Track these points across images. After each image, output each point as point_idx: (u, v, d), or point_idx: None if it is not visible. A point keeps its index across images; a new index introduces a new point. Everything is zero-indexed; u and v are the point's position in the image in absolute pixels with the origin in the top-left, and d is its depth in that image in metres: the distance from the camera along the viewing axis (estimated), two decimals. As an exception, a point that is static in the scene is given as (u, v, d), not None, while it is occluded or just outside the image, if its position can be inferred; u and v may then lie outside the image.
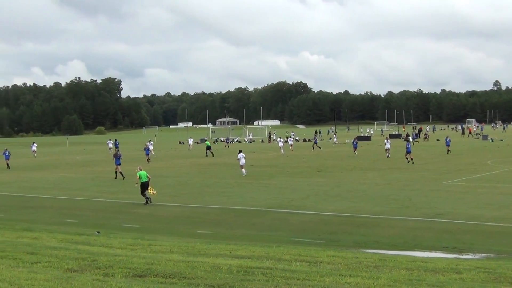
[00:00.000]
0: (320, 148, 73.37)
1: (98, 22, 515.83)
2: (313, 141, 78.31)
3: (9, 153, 55.46)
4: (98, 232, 20.78)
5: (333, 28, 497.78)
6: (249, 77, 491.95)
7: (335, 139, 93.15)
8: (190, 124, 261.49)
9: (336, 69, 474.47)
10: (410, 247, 17.97)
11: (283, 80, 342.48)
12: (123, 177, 40.21)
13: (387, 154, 55.95)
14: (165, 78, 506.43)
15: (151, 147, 62.83)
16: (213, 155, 65.29)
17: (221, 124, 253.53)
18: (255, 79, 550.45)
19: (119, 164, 41.90)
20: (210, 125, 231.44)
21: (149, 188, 29.21)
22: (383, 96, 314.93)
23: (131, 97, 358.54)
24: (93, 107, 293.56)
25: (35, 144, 77.83)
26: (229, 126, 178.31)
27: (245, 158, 42.51)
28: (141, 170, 29.94)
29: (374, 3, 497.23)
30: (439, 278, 11.35)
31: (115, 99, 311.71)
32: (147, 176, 29.32)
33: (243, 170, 41.67)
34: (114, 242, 17.28)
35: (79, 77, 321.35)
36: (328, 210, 25.43)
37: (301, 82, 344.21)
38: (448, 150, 58.97)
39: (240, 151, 43.58)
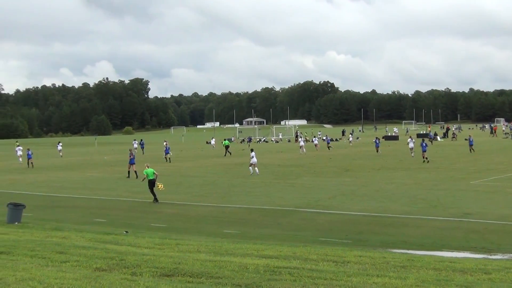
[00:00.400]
0: (330, 147, 73.97)
1: (125, 23, 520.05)
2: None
3: (31, 152, 57.81)
4: (126, 232, 20.91)
5: (360, 27, 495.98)
6: (276, 77, 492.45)
7: (350, 139, 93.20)
8: (217, 124, 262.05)
9: (363, 68, 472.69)
10: (438, 247, 17.85)
11: (310, 80, 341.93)
12: (137, 176, 40.63)
13: (412, 153, 56.17)
14: (192, 78, 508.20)
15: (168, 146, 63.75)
16: (230, 154, 66.56)
17: (248, 124, 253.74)
18: (282, 79, 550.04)
19: (134, 164, 42.72)
20: (237, 125, 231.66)
21: (157, 184, 30.05)
22: (410, 95, 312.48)
23: (159, 97, 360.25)
24: (121, 107, 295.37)
25: (60, 144, 79.27)
26: (256, 126, 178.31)
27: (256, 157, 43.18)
28: (148, 167, 30.81)
29: (401, 1, 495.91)
30: (468, 279, 11.26)
31: (143, 100, 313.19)
32: (154, 173, 30.20)
33: (256, 169, 42.41)
34: (142, 242, 17.37)
35: (107, 78, 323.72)
36: (355, 210, 25.35)
37: (328, 81, 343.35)
38: (472, 149, 58.52)
39: (252, 150, 44.59)
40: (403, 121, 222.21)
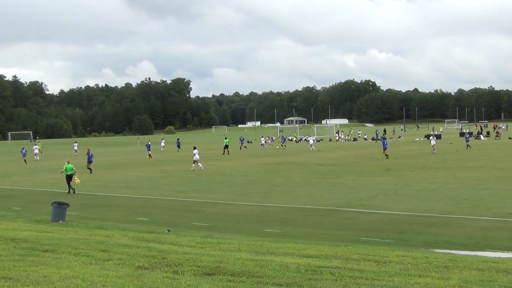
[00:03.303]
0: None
1: (167, 23, 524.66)
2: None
3: (91, 154, 58.81)
4: (168, 230, 21.08)
5: (402, 25, 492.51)
6: (317, 75, 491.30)
7: (365, 136, 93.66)
8: (258, 123, 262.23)
9: (405, 66, 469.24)
10: (481, 247, 17.62)
11: (351, 79, 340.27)
12: (91, 172, 47.37)
13: (433, 150, 59.83)
14: (233, 77, 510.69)
15: (162, 144, 67.91)
16: (228, 153, 69.95)
17: (289, 123, 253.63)
18: (323, 78, 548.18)
19: (91, 162, 49.16)
20: (278, 124, 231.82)
21: (74, 178, 34.78)
22: (453, 93, 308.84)
23: (200, 97, 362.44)
24: (163, 107, 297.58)
25: (76, 144, 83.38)
26: (297, 125, 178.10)
27: (199, 154, 49.18)
28: (68, 163, 35.54)
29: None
30: (512, 279, 11.11)
31: (185, 99, 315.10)
32: (73, 169, 34.96)
33: (196, 164, 48.07)
34: (184, 240, 17.49)
35: (149, 78, 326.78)
36: (397, 210, 25.14)
37: (369, 80, 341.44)
38: None
39: (194, 148, 49.97)
40: (446, 120, 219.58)
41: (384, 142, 58.02)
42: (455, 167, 44.20)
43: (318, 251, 15.06)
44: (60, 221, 23.40)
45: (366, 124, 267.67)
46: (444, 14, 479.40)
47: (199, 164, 48.17)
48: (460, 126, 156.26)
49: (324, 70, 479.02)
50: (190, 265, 11.39)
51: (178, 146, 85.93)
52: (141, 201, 31.13)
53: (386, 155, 55.21)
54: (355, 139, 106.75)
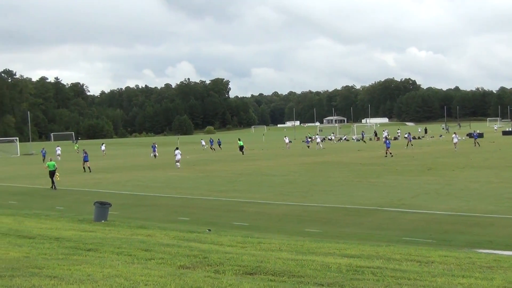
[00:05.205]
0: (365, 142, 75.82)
1: (205, 24, 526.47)
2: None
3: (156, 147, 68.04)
4: (209, 230, 21.15)
5: (442, 23, 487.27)
6: (357, 74, 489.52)
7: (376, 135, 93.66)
8: (297, 123, 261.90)
9: (446, 64, 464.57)
10: (526, 248, 17.35)
11: (391, 77, 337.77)
12: (90, 171, 51.55)
13: (455, 148, 62.65)
14: (272, 77, 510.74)
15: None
16: (243, 154, 70.96)
17: (328, 123, 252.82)
18: (362, 77, 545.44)
19: (87, 161, 52.94)
20: (317, 123, 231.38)
21: (55, 175, 38.95)
22: (495, 91, 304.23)
23: (239, 97, 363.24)
24: (202, 107, 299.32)
25: (104, 145, 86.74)
26: (336, 124, 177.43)
27: (181, 154, 54.30)
28: (51, 160, 40.79)
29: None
30: (558, 280, 10.91)
31: (224, 99, 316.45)
32: (54, 166, 39.41)
33: (177, 164, 52.66)
34: (225, 240, 17.54)
35: (188, 78, 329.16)
36: (439, 209, 24.86)
37: (409, 78, 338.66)
38: None
39: (177, 148, 54.92)
40: (488, 118, 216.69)
41: (387, 142, 59.97)
42: (497, 166, 43.54)
43: (360, 251, 14.98)
44: (103, 221, 23.65)
45: (407, 123, 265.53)
46: (485, 11, 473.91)
47: (177, 164, 52.76)
48: (495, 125, 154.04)
49: (364, 69, 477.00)
50: (231, 264, 11.43)
51: (219, 144, 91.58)
52: (182, 200, 31.30)
53: (390, 153, 57.28)
54: (395, 138, 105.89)
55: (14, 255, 12.97)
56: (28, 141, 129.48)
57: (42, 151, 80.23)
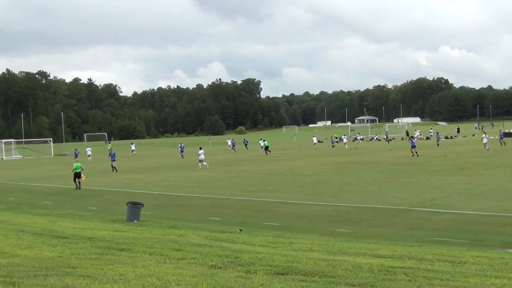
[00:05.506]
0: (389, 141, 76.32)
1: (237, 24, 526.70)
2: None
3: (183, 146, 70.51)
4: (240, 230, 21.20)
5: (475, 21, 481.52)
6: (388, 74, 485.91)
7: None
8: (329, 122, 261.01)
9: (479, 63, 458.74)
10: (561, 248, 17.11)
11: (423, 76, 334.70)
12: (116, 171, 52.97)
13: (486, 147, 61.88)
14: (303, 77, 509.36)
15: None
16: (270, 152, 73.09)
17: (360, 122, 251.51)
18: (394, 76, 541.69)
19: (114, 160, 54.76)
20: (349, 123, 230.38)
21: (81, 176, 39.17)
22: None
23: (270, 97, 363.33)
24: (233, 107, 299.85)
25: (133, 144, 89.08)
26: (368, 124, 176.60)
27: (204, 154, 54.52)
28: (77, 162, 41.92)
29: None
30: None
31: (255, 99, 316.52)
32: (81, 167, 39.70)
33: (204, 163, 53.32)
34: (256, 240, 17.57)
35: (219, 79, 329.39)
36: (472, 209, 24.61)
37: (441, 77, 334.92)
38: None
39: (200, 148, 56.12)
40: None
41: (412, 141, 60.12)
42: (532, 165, 42.98)
43: (391, 251, 14.91)
44: (135, 221, 23.84)
45: (439, 123, 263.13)
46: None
47: (204, 163, 53.30)
48: None
49: (395, 68, 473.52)
50: (263, 264, 11.45)
51: (245, 145, 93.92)
52: (213, 201, 31.39)
53: (416, 152, 57.38)
54: (427, 138, 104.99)
55: (48, 255, 13.15)
56: (62, 141, 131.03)
57: (75, 152, 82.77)
